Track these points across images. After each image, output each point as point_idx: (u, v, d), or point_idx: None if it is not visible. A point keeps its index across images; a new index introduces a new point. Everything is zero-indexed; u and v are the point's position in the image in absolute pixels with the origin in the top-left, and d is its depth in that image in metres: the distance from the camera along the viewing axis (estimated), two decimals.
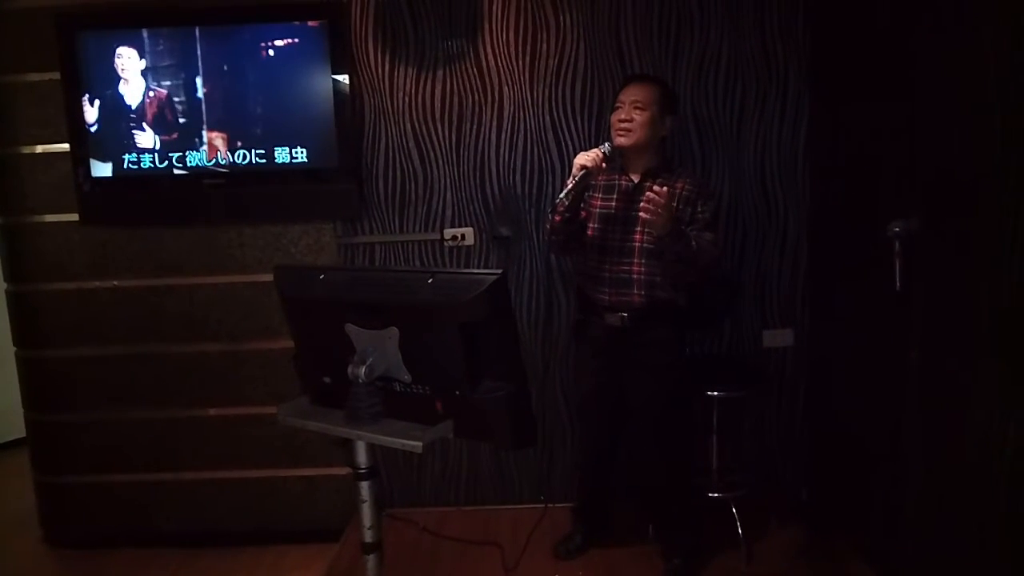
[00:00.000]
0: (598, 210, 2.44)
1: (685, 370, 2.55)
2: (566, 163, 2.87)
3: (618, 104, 2.41)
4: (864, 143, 2.43)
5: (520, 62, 2.84)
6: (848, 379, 2.65)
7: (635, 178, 2.43)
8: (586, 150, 2.36)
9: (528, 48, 2.84)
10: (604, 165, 2.33)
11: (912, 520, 2.12)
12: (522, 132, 2.88)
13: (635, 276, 2.39)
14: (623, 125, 2.37)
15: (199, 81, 2.72)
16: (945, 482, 2.01)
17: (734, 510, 2.65)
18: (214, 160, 2.75)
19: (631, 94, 2.39)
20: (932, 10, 1.99)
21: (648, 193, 2.17)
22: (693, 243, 2.27)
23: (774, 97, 2.83)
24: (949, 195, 1.95)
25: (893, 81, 2.24)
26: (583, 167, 2.28)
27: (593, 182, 2.41)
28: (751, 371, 2.90)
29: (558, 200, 2.33)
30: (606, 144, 2.36)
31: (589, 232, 2.44)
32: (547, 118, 2.87)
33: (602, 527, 2.76)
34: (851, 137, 2.54)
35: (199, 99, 2.73)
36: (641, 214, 2.23)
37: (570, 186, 2.29)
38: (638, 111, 2.36)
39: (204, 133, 2.75)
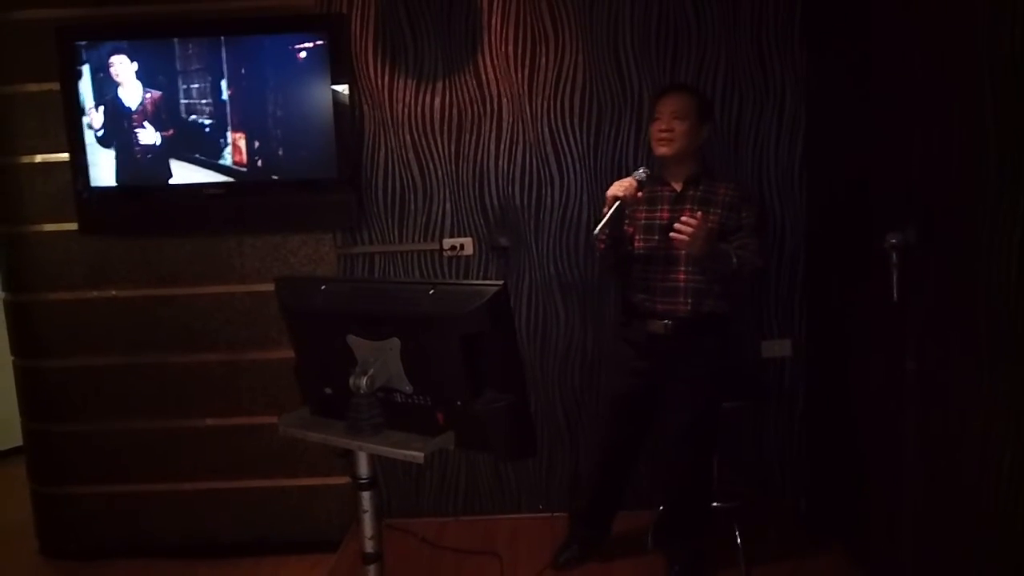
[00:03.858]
0: (643, 221, 2.45)
1: (722, 379, 2.54)
2: (565, 174, 2.89)
3: (656, 115, 2.43)
4: (861, 155, 2.45)
5: (519, 74, 2.86)
6: (846, 389, 2.66)
7: (677, 187, 2.46)
8: (620, 179, 2.34)
9: (527, 60, 2.85)
10: (640, 195, 2.33)
11: (910, 530, 2.13)
12: (521, 143, 2.90)
13: (683, 284, 2.40)
14: (663, 135, 2.39)
15: (193, 90, 2.74)
16: (943, 491, 2.02)
17: (733, 520, 2.65)
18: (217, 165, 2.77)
19: (669, 104, 2.41)
20: (928, 23, 2.02)
21: (677, 224, 2.18)
22: (734, 258, 2.30)
23: (771, 109, 2.85)
24: (945, 207, 1.97)
25: (889, 94, 2.26)
26: (616, 198, 2.27)
27: (629, 208, 2.38)
28: (749, 381, 2.90)
29: (595, 234, 2.33)
30: (641, 170, 2.36)
31: (636, 244, 2.44)
32: (546, 129, 2.89)
33: (602, 533, 2.71)
34: (848, 149, 2.56)
35: (197, 105, 2.75)
36: (674, 243, 2.22)
37: (605, 219, 2.27)
38: (677, 120, 2.39)
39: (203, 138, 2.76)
